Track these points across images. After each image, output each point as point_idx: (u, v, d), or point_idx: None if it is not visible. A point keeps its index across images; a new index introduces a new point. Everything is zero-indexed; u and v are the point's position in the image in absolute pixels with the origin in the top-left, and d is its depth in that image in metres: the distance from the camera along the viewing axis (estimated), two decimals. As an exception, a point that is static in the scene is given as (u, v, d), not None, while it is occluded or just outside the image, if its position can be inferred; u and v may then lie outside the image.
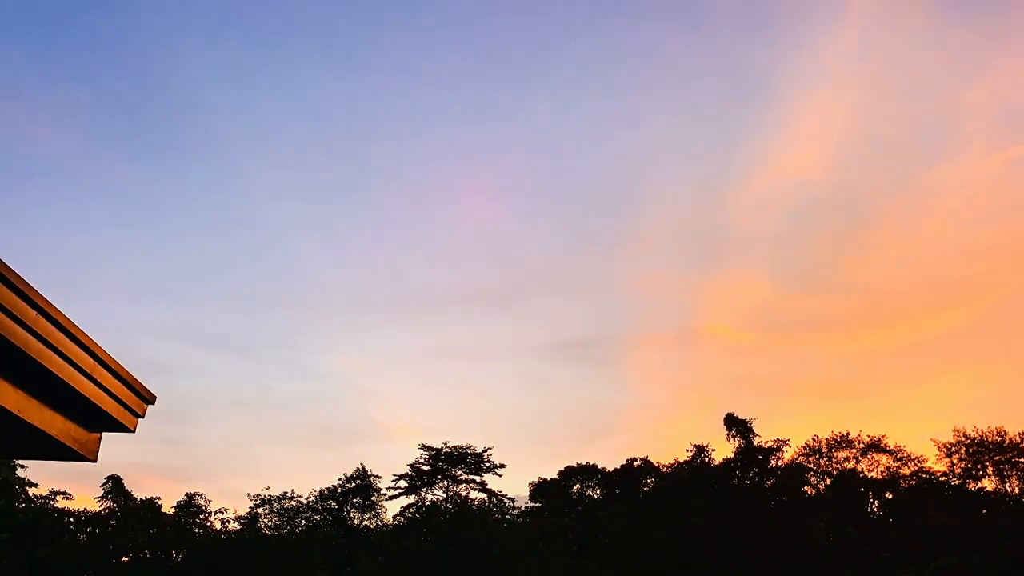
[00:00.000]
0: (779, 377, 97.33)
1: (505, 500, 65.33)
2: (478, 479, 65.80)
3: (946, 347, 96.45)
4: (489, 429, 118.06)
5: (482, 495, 64.13)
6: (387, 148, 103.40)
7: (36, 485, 48.86)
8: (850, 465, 62.00)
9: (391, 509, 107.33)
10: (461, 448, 65.71)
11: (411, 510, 62.03)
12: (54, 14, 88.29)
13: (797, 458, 61.14)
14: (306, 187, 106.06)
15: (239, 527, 49.66)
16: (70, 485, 74.10)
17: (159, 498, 48.15)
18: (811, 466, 61.99)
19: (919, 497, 56.01)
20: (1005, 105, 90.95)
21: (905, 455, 61.23)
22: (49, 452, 4.99)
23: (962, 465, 59.58)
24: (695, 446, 60.04)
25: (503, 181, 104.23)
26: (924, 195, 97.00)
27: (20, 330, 3.80)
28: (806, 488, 60.00)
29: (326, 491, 65.23)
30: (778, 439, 58.49)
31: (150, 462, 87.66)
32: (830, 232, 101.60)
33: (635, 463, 70.32)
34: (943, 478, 59.94)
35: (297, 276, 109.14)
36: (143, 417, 5.11)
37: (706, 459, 59.38)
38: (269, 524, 53.92)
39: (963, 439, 59.88)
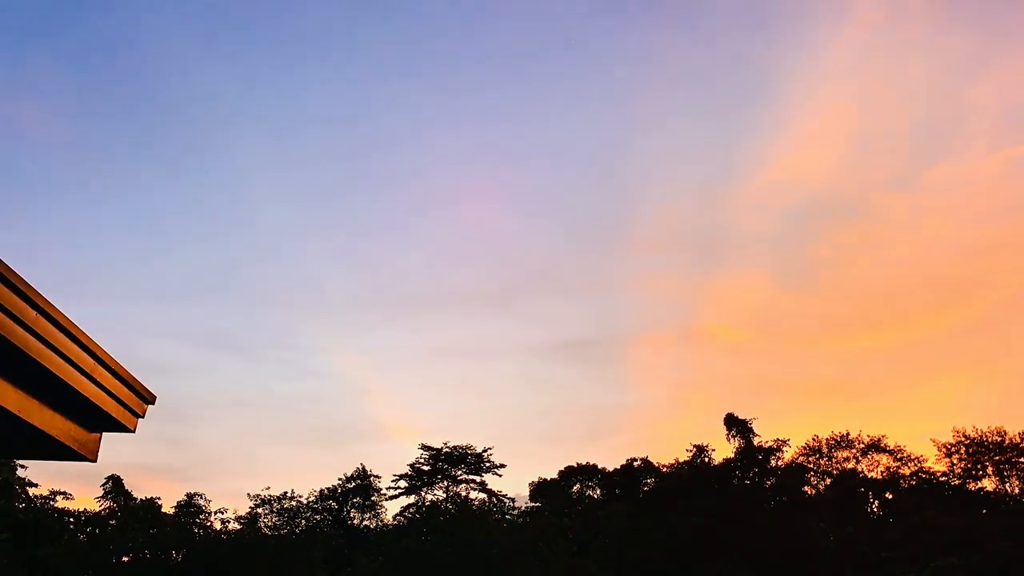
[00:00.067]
0: (779, 377, 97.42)
1: (505, 500, 65.40)
2: (478, 479, 65.86)
3: (946, 347, 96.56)
4: (489, 429, 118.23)
5: (482, 495, 64.20)
6: (387, 148, 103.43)
7: (36, 485, 48.94)
8: (850, 465, 62.00)
9: (391, 509, 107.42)
10: (461, 448, 65.73)
11: (411, 510, 62.05)
12: (54, 14, 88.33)
13: (797, 458, 61.15)
14: (306, 187, 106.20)
15: (239, 527, 49.66)
16: (70, 485, 74.13)
17: (159, 498, 48.22)
18: (811, 466, 61.98)
19: (919, 497, 55.99)
20: (1006, 104, 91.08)
21: (905, 455, 61.24)
22: (49, 452, 5.00)
23: (962, 465, 59.56)
24: (695, 446, 60.08)
25: (503, 181, 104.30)
26: (925, 195, 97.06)
27: (20, 330, 3.80)
28: (806, 488, 60.01)
29: (326, 491, 65.26)
30: (778, 439, 58.55)
31: (150, 462, 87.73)
32: (830, 232, 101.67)
33: (635, 463, 70.31)
34: (943, 478, 59.92)
35: (297, 276, 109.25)
36: (143, 417, 5.12)
37: (706, 459, 59.38)
38: (269, 524, 53.93)
39: (963, 439, 59.86)
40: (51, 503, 48.73)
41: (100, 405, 4.62)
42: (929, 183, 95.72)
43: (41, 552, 41.51)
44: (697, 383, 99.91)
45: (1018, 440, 58.11)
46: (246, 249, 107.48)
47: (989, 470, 59.08)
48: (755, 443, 57.83)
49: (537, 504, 68.05)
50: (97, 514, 47.94)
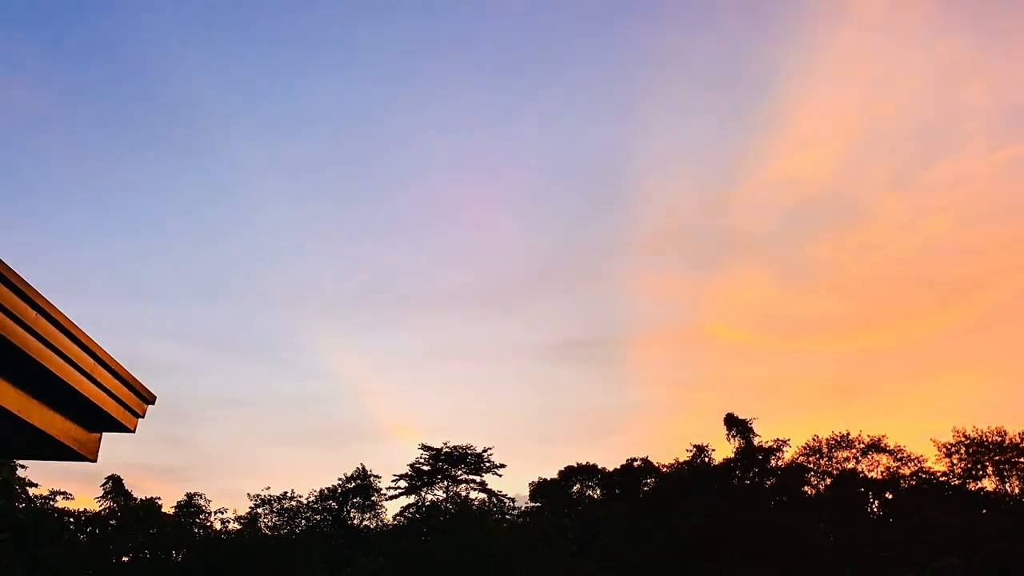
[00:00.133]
0: (779, 377, 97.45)
1: (505, 500, 65.40)
2: (478, 479, 65.86)
3: (946, 347, 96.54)
4: (489, 429, 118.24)
5: (482, 495, 64.20)
6: (387, 148, 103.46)
7: (36, 485, 48.94)
8: (850, 465, 61.98)
9: (391, 509, 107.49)
10: (461, 448, 65.73)
11: (411, 510, 62.06)
12: (54, 14, 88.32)
13: (797, 458, 61.15)
14: (306, 188, 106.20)
15: (239, 527, 49.65)
16: (70, 485, 74.15)
17: (159, 498, 48.22)
18: (811, 466, 61.98)
19: (919, 497, 55.98)
20: (1005, 104, 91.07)
21: (905, 455, 61.22)
22: (49, 452, 5.00)
23: (962, 465, 59.55)
24: (695, 446, 60.10)
25: (503, 181, 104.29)
26: (924, 194, 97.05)
27: (20, 330, 3.80)
28: (806, 488, 60.02)
29: (326, 491, 65.26)
30: (778, 439, 58.59)
31: (150, 462, 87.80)
32: (830, 232, 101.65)
33: (635, 463, 70.31)
34: (943, 478, 59.90)
35: (297, 276, 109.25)
36: (143, 417, 5.11)
37: (706, 459, 59.39)
38: (269, 524, 53.92)
39: (963, 439, 59.85)
40: (51, 503, 48.75)
41: (100, 405, 4.62)
42: (928, 183, 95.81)
43: (41, 552, 41.51)
44: (697, 383, 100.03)
45: (1018, 440, 58.10)
46: (246, 249, 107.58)
47: (989, 470, 59.07)
48: (755, 443, 57.85)
49: (537, 504, 68.05)
50: (97, 514, 47.94)
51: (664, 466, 64.46)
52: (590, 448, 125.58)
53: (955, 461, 59.85)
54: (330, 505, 65.11)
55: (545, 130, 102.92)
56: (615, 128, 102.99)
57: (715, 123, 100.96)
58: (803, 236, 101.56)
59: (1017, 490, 58.18)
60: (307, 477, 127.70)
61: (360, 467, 66.96)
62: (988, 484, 59.33)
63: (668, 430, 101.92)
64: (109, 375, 4.60)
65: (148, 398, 5.06)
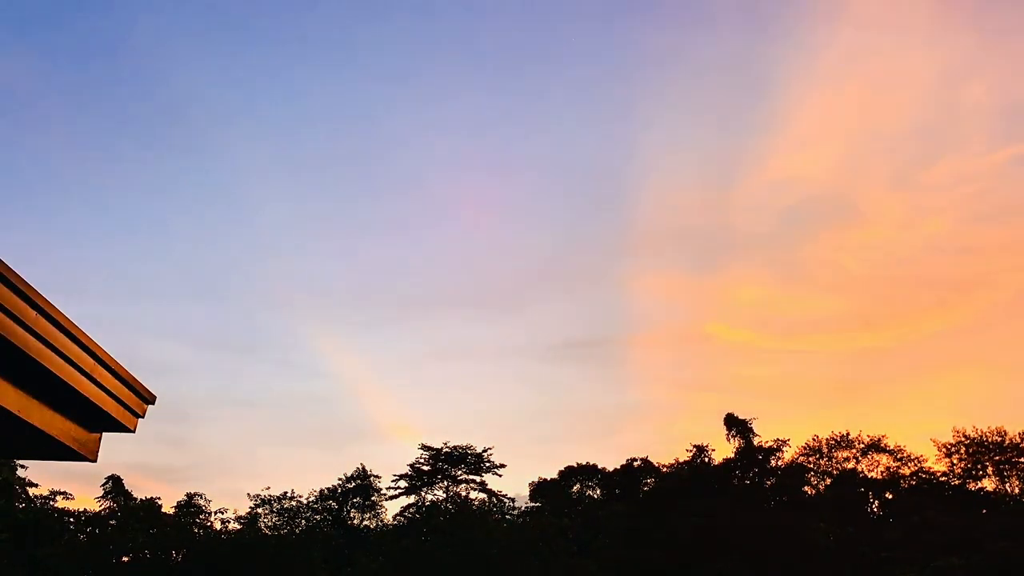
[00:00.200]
0: (779, 377, 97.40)
1: (505, 500, 65.41)
2: (478, 479, 65.86)
3: (946, 347, 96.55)
4: (489, 429, 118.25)
5: (482, 495, 64.21)
6: (387, 148, 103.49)
7: (36, 485, 48.97)
8: (850, 465, 61.98)
9: (391, 509, 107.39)
10: (461, 448, 65.72)
11: (411, 510, 62.06)
12: (54, 14, 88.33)
13: (797, 458, 61.14)
14: (306, 188, 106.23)
15: (239, 527, 49.66)
16: (70, 485, 74.18)
17: (159, 498, 48.23)
18: (811, 466, 61.97)
19: (919, 497, 55.97)
20: (1005, 104, 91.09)
21: (905, 455, 61.22)
22: (49, 452, 5.00)
23: (962, 465, 59.54)
24: (695, 446, 60.08)
25: (503, 181, 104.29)
26: (924, 194, 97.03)
27: (20, 330, 3.80)
28: (806, 488, 60.01)
29: (326, 491, 65.27)
30: (778, 439, 58.55)
31: (150, 462, 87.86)
32: (830, 232, 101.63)
33: (635, 463, 70.31)
34: (943, 478, 59.89)
35: (297, 276, 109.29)
36: (143, 417, 5.12)
37: (706, 459, 59.37)
38: (269, 524, 53.93)
39: (963, 439, 59.83)
40: (51, 503, 48.76)
41: (100, 405, 4.62)
42: (928, 183, 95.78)
43: (41, 552, 41.52)
44: (697, 383, 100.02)
45: (1018, 440, 58.09)
46: (246, 249, 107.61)
47: (989, 470, 59.06)
48: (755, 443, 57.83)
49: (537, 504, 68.06)
50: (97, 514, 47.93)
51: (664, 466, 64.46)
52: (590, 448, 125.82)
53: (955, 461, 59.84)
54: (330, 505, 65.13)
55: (545, 130, 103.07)
56: (615, 128, 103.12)
57: (715, 123, 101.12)
58: (803, 236, 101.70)
59: (1017, 490, 58.18)
60: (307, 477, 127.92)
61: (360, 467, 67.06)
62: (988, 484, 59.36)
63: (668, 430, 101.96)
64: (109, 375, 4.61)
65: (148, 398, 5.06)
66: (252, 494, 56.37)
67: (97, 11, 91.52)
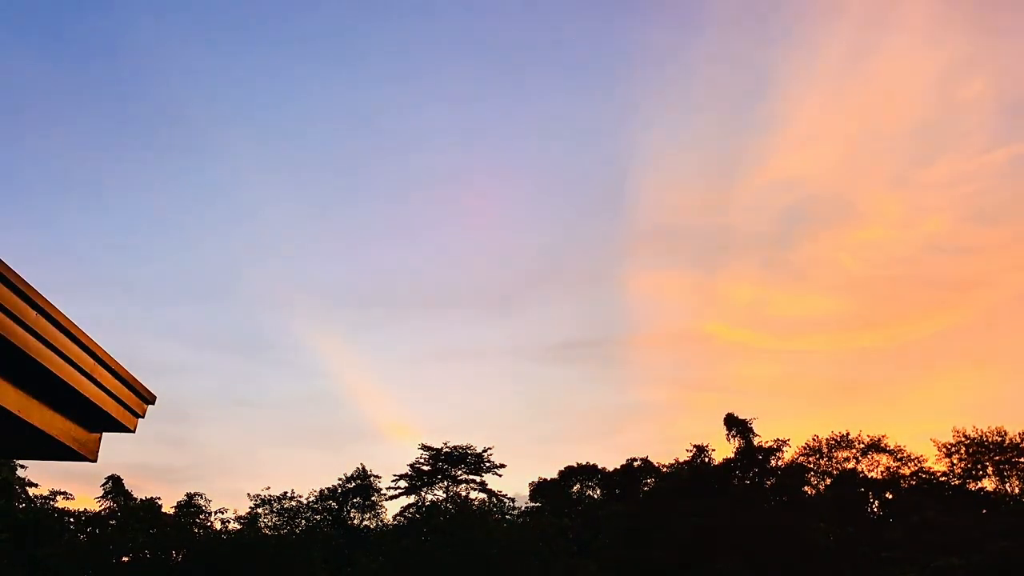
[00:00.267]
0: (779, 377, 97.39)
1: (505, 500, 65.42)
2: (478, 479, 65.87)
3: (946, 347, 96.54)
4: (489, 429, 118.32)
5: (482, 495, 64.21)
6: (387, 148, 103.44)
7: (36, 485, 48.93)
8: (850, 465, 62.00)
9: (391, 509, 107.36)
10: (461, 448, 65.74)
11: (411, 510, 62.07)
12: (54, 14, 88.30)
13: (797, 458, 61.15)
14: (306, 188, 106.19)
15: (239, 527, 49.62)
16: (70, 485, 74.06)
17: (159, 498, 48.18)
18: (811, 466, 61.99)
19: (919, 497, 55.98)
20: (1004, 103, 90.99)
21: (905, 455, 61.25)
22: (49, 452, 5.00)
23: (962, 465, 59.56)
24: (695, 446, 60.08)
25: (503, 181, 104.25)
26: (923, 193, 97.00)
27: (20, 330, 3.80)
28: (806, 488, 60.01)
29: (326, 491, 65.28)
30: (778, 439, 58.52)
31: (150, 462, 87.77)
32: (830, 232, 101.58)
33: (635, 463, 70.35)
34: (943, 478, 59.92)
35: (297, 276, 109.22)
36: (143, 417, 5.12)
37: (706, 459, 59.38)
38: (269, 524, 53.92)
39: (963, 439, 59.86)
40: (51, 503, 48.73)
41: (100, 405, 4.62)
42: (928, 182, 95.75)
43: (41, 552, 41.50)
44: (697, 383, 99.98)
45: (1018, 440, 58.12)
46: (246, 249, 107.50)
47: (989, 470, 59.08)
48: (755, 443, 57.81)
49: (537, 504, 68.09)
50: (97, 514, 47.92)
51: (664, 466, 64.53)
52: (590, 448, 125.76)
53: (955, 461, 59.87)
54: (330, 505, 65.14)
55: (545, 130, 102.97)
56: (615, 128, 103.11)
57: (715, 123, 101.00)
58: (803, 236, 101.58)
59: (1017, 490, 58.19)
60: (307, 477, 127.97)
61: (360, 467, 67.09)
62: (988, 484, 59.39)
63: (668, 430, 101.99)
64: (109, 375, 4.61)
65: (148, 398, 5.06)
66: (252, 494, 56.45)
67: (97, 11, 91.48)
